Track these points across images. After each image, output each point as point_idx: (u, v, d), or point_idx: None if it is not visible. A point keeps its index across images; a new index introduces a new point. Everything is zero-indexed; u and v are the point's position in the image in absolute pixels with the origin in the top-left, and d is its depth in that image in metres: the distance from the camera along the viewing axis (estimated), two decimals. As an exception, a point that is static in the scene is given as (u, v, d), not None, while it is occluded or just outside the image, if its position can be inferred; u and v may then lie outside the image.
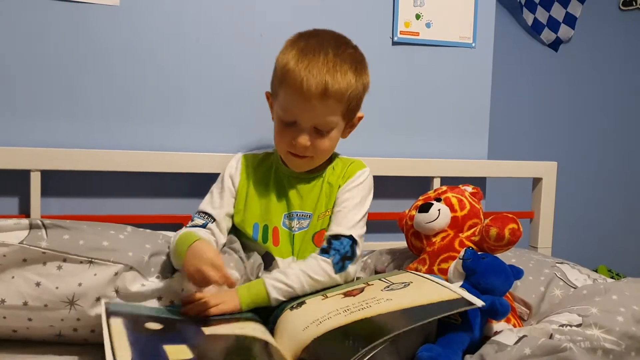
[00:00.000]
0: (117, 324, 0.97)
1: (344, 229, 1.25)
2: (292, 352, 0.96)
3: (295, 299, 1.13)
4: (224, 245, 1.30)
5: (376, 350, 0.88)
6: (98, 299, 1.10)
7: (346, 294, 1.09)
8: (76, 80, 1.51)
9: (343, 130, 1.30)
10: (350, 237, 1.24)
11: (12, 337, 1.12)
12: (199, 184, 1.52)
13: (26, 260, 1.09)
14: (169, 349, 0.91)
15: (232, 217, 1.32)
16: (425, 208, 1.35)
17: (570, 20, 3.00)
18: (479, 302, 0.96)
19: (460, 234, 1.32)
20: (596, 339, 0.97)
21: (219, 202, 1.30)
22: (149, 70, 1.56)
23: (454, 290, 1.03)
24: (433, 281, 1.10)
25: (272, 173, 1.34)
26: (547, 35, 3.00)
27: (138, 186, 1.58)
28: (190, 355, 0.90)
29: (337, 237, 1.24)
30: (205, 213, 1.29)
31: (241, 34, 1.63)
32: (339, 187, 1.31)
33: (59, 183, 1.50)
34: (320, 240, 1.28)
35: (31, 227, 1.13)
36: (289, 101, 1.20)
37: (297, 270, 1.18)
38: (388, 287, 1.09)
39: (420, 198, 1.45)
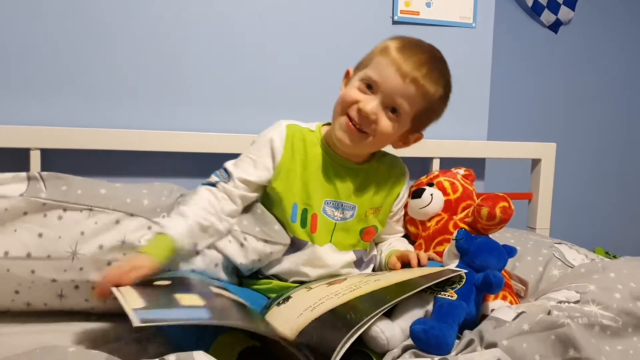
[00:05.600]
0: (125, 287, 0.97)
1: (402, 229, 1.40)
2: (287, 337, 0.95)
3: (280, 296, 1.12)
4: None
5: (374, 320, 0.90)
6: (101, 247, 1.11)
7: (329, 284, 1.10)
8: (77, 58, 1.51)
9: (398, 139, 1.25)
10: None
11: (14, 305, 1.13)
12: (200, 163, 1.52)
13: (27, 213, 1.11)
14: (180, 297, 0.92)
15: (256, 188, 1.23)
16: (417, 194, 1.36)
17: (571, 2, 2.99)
18: (462, 271, 1.04)
19: (454, 217, 1.33)
20: (594, 315, 0.98)
21: (244, 168, 1.22)
22: (151, 48, 1.56)
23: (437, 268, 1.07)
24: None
25: (318, 152, 1.24)
26: (547, 16, 2.98)
27: (139, 165, 1.59)
28: (202, 303, 0.91)
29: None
30: (226, 170, 1.22)
31: (241, 14, 1.62)
32: (398, 194, 1.32)
33: (58, 162, 1.50)
34: (369, 236, 1.28)
35: (29, 179, 1.14)
36: (382, 65, 1.15)
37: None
38: (370, 274, 1.12)
39: (413, 184, 1.45)
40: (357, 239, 1.27)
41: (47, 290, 1.12)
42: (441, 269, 1.08)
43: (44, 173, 1.17)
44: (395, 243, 1.34)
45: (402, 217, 1.38)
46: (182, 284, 1.04)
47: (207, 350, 0.89)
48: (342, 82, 1.27)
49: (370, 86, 1.16)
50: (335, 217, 1.24)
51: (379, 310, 0.90)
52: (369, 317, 0.88)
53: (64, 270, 1.10)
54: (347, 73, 1.27)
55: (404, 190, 1.33)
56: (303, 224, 1.22)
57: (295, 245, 1.22)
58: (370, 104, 1.15)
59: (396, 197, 1.31)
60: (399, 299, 0.93)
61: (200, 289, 1.01)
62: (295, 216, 1.22)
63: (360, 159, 1.27)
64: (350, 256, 1.26)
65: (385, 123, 1.17)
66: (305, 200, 1.22)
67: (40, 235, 1.10)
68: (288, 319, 0.96)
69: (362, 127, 1.17)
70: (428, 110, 1.21)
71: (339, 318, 0.91)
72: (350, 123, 1.17)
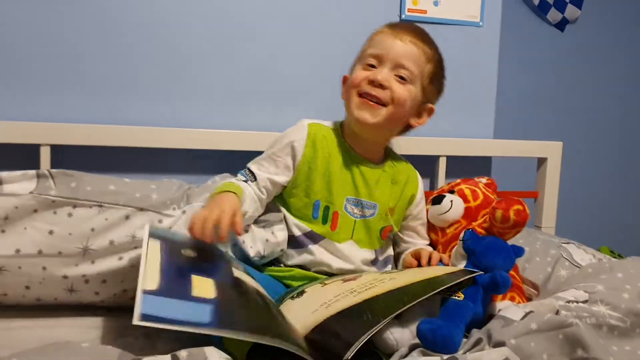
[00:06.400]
0: (156, 246, 0.98)
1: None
2: (301, 332, 0.95)
3: (295, 289, 1.12)
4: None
5: (385, 324, 0.89)
6: (112, 243, 1.13)
7: (344, 280, 1.10)
8: (87, 54, 1.51)
9: (413, 114, 1.27)
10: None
11: (24, 300, 1.14)
12: (211, 160, 1.52)
13: (37, 211, 1.11)
14: (196, 280, 0.92)
15: (279, 186, 1.25)
16: (437, 200, 1.36)
17: (577, 0, 2.98)
18: (478, 272, 1.04)
19: (473, 223, 1.33)
20: (602, 315, 0.98)
21: (266, 167, 1.24)
22: (161, 44, 1.57)
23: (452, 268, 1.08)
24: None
25: (339, 151, 1.26)
26: (554, 15, 2.98)
27: (149, 162, 1.59)
28: (213, 294, 0.90)
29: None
30: (250, 171, 1.24)
31: (249, 12, 1.63)
32: (412, 195, 1.34)
33: (68, 158, 1.50)
34: (386, 234, 1.30)
35: (38, 177, 1.15)
36: (378, 39, 1.24)
37: None
38: (386, 272, 1.12)
39: (435, 192, 1.46)
40: (376, 237, 1.28)
41: (58, 286, 1.13)
42: (455, 268, 1.08)
43: (53, 170, 1.17)
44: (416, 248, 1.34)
45: (425, 224, 1.39)
46: (205, 260, 1.02)
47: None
48: (341, 88, 1.30)
49: (373, 65, 1.21)
50: (355, 215, 1.25)
51: (396, 312, 0.90)
52: (387, 319, 0.88)
53: (76, 264, 1.12)
54: (345, 79, 1.30)
55: (420, 194, 1.35)
56: (324, 220, 1.24)
57: (312, 238, 1.24)
58: (381, 73, 1.19)
59: (410, 199, 1.33)
60: (416, 301, 0.93)
61: (222, 270, 1.01)
62: (317, 213, 1.23)
63: (377, 156, 1.30)
64: (370, 254, 1.28)
65: (399, 88, 1.20)
66: (327, 197, 1.23)
67: (50, 232, 1.11)
68: (302, 314, 0.96)
69: (379, 98, 1.19)
70: (434, 75, 1.26)
71: (356, 317, 0.90)
72: (364, 98, 1.20)
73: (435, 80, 1.27)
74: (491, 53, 1.88)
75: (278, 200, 1.28)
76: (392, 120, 1.23)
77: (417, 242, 1.36)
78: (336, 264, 1.23)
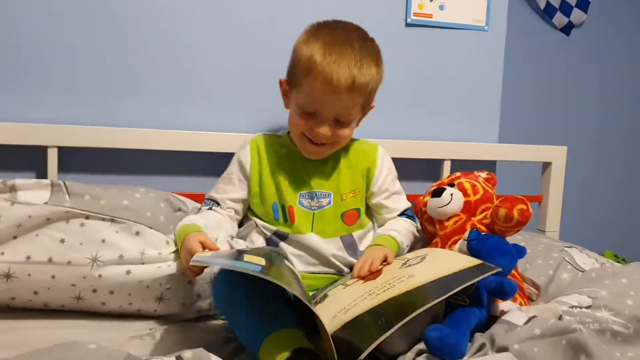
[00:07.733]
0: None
1: (404, 205, 1.39)
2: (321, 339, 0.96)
3: (319, 293, 1.13)
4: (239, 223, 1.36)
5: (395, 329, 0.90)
6: (121, 257, 1.14)
7: (366, 279, 1.09)
8: (94, 56, 1.52)
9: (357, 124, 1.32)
10: (409, 208, 1.41)
11: (31, 304, 1.14)
12: (214, 162, 1.53)
13: (50, 219, 1.13)
14: (247, 256, 0.99)
15: (242, 201, 1.33)
16: (437, 193, 1.36)
17: (583, 4, 2.98)
18: (497, 268, 1.00)
19: (473, 218, 1.33)
20: (605, 321, 0.98)
21: (222, 188, 1.33)
22: (168, 47, 1.57)
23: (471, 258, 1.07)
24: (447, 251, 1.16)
25: (284, 154, 1.34)
26: (559, 19, 2.98)
27: (154, 164, 1.59)
28: (263, 262, 0.96)
29: (405, 210, 1.38)
30: (210, 199, 1.33)
31: (253, 15, 1.63)
32: (368, 169, 1.34)
33: (75, 159, 1.52)
34: (351, 219, 1.31)
35: (53, 186, 1.17)
36: (314, 92, 1.19)
37: (404, 227, 1.32)
38: (405, 263, 1.10)
39: (434, 184, 1.46)
40: (339, 224, 1.31)
41: (65, 293, 1.14)
42: (475, 261, 1.05)
43: (68, 182, 1.20)
44: (387, 226, 1.35)
45: (395, 194, 1.38)
46: (260, 250, 1.12)
47: (259, 344, 0.93)
48: (280, 91, 1.34)
49: (311, 113, 1.22)
50: (312, 208, 1.30)
51: (408, 317, 0.89)
52: (397, 325, 0.87)
53: (83, 277, 1.12)
54: (281, 83, 1.33)
55: (378, 166, 1.35)
56: (285, 219, 1.29)
57: (280, 237, 1.28)
58: (323, 129, 1.22)
59: (367, 174, 1.34)
60: (428, 305, 0.91)
61: (275, 258, 1.06)
62: (277, 214, 1.30)
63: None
64: (337, 243, 1.30)
65: (342, 132, 1.25)
66: (280, 198, 1.30)
67: (62, 241, 1.12)
68: (323, 320, 0.95)
69: (322, 142, 1.25)
70: (372, 92, 1.27)
71: (370, 322, 0.90)
72: (309, 142, 1.25)
73: (373, 94, 1.28)
74: (496, 57, 1.88)
75: (249, 211, 1.35)
76: (341, 146, 1.31)
77: (387, 216, 1.37)
78: (300, 261, 1.27)
